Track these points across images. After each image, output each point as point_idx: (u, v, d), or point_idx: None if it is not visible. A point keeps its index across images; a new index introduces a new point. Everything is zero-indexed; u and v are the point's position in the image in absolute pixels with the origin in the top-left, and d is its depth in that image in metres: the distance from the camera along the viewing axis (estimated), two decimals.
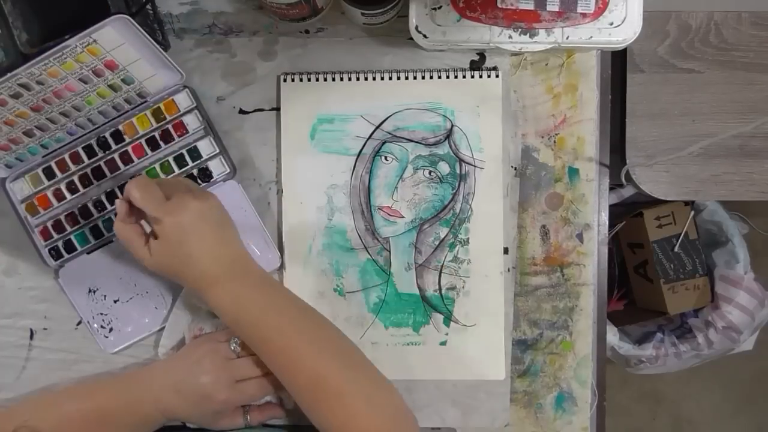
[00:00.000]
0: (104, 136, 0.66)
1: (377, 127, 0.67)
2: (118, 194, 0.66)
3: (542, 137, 0.67)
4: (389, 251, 0.67)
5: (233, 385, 0.59)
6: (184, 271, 0.57)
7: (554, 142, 0.67)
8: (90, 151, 0.66)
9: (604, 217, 0.68)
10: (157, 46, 0.59)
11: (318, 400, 0.54)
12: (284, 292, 0.61)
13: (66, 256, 0.67)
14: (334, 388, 0.54)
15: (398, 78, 0.66)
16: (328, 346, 0.57)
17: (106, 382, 0.62)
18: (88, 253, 0.67)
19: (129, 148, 0.66)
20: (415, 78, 0.66)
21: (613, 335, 1.18)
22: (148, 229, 0.58)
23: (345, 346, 0.58)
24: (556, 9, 0.60)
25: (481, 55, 0.67)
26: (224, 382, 0.58)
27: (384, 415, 0.54)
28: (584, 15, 0.60)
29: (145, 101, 0.66)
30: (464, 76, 0.66)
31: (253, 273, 0.59)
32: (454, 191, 0.66)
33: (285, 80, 0.67)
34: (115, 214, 0.58)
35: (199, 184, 0.66)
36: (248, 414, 0.62)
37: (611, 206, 0.79)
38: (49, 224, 0.67)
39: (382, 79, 0.66)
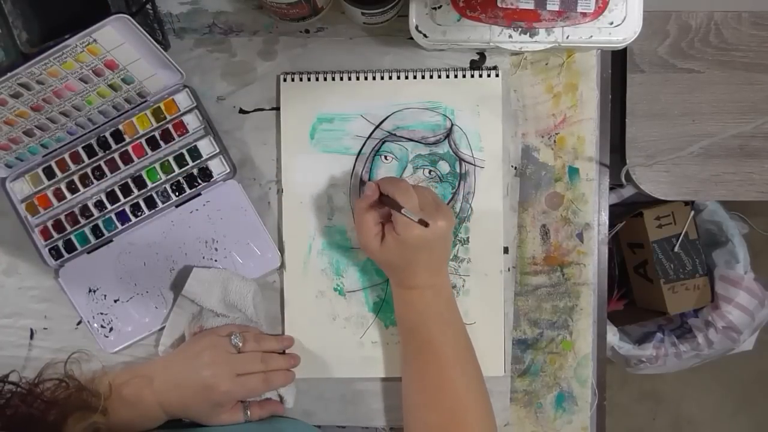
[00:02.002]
0: (104, 136, 0.66)
1: (377, 127, 0.67)
2: (119, 194, 0.66)
3: (542, 137, 0.67)
4: None
5: (234, 379, 0.59)
6: (401, 273, 0.60)
7: (554, 141, 0.67)
8: (90, 151, 0.66)
9: (604, 217, 0.68)
10: (157, 46, 0.59)
11: (446, 423, 0.58)
12: (459, 317, 0.63)
13: (66, 255, 0.67)
14: (467, 424, 0.58)
15: (398, 77, 0.66)
16: (478, 382, 0.61)
17: (106, 378, 0.62)
18: (88, 253, 0.67)
19: (129, 148, 0.66)
20: (415, 77, 0.66)
21: (613, 335, 1.18)
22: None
23: (485, 391, 0.61)
24: (556, 8, 0.60)
25: (481, 55, 0.67)
26: (225, 375, 0.58)
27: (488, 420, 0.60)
28: (584, 14, 0.60)
29: (146, 101, 0.66)
30: (464, 76, 0.66)
31: (447, 291, 0.62)
32: (454, 190, 0.66)
33: (285, 80, 0.67)
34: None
35: (200, 184, 0.66)
36: (248, 409, 0.62)
37: (611, 206, 0.79)
38: (49, 224, 0.67)
39: (382, 78, 0.66)
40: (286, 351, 0.66)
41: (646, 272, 1.20)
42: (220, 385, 0.58)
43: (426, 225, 0.56)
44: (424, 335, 0.60)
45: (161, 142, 0.66)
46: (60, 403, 0.50)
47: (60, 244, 0.67)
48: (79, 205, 0.67)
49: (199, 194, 0.67)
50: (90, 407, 0.51)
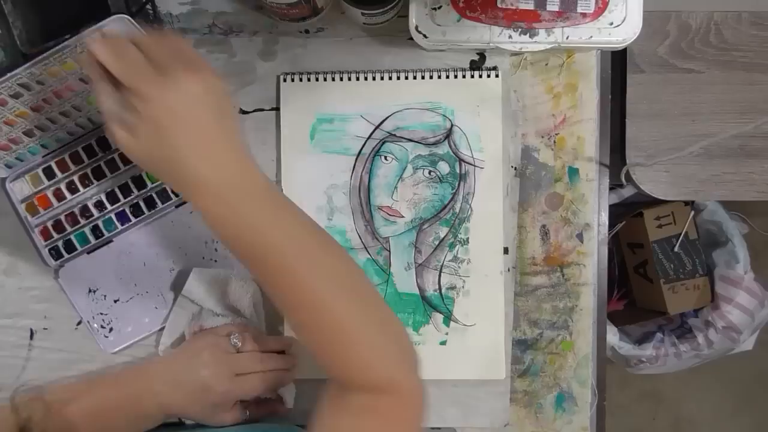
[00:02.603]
0: (104, 136, 0.66)
1: (377, 127, 0.67)
2: (119, 195, 0.66)
3: (542, 137, 0.67)
4: (389, 251, 0.67)
5: (233, 378, 0.59)
6: (171, 169, 0.45)
7: (554, 142, 0.67)
8: (90, 151, 0.66)
9: (604, 217, 0.68)
10: None
11: (319, 337, 0.48)
12: (292, 209, 0.50)
13: (66, 256, 0.67)
14: (339, 330, 0.47)
15: (398, 78, 0.66)
16: (337, 280, 0.49)
17: (105, 378, 0.62)
18: (88, 253, 0.67)
19: None
20: (415, 78, 0.66)
21: (613, 335, 1.18)
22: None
23: (356, 280, 0.51)
24: (556, 9, 0.60)
25: (481, 55, 0.67)
26: (224, 375, 0.58)
27: (386, 367, 0.48)
28: (584, 15, 0.60)
29: None
30: (464, 76, 0.66)
31: (255, 179, 0.47)
32: (454, 191, 0.66)
33: (285, 80, 0.67)
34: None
35: None
36: (248, 409, 0.62)
37: (611, 206, 0.78)
38: (49, 224, 0.67)
39: (382, 79, 0.66)
40: (286, 351, 0.66)
41: (646, 272, 1.20)
42: (218, 385, 0.58)
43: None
44: (255, 251, 0.47)
45: None
46: None
47: (60, 244, 0.67)
48: (79, 206, 0.67)
49: None
50: None
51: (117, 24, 0.55)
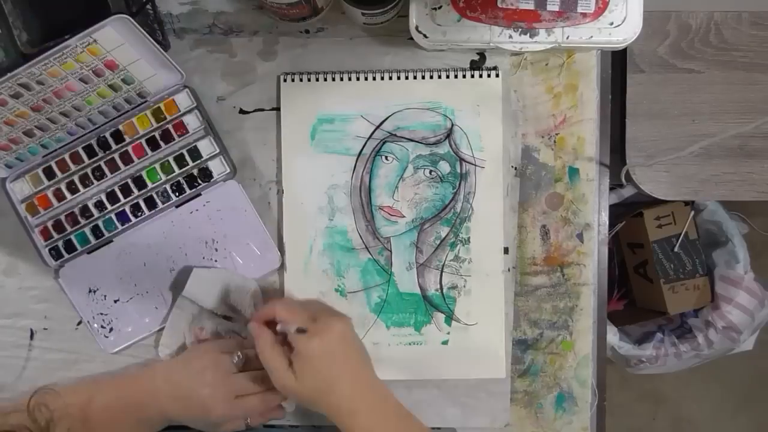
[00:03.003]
0: (104, 136, 0.66)
1: (377, 127, 0.67)
2: (119, 195, 0.66)
3: (542, 137, 0.67)
4: (390, 251, 0.67)
5: (232, 401, 0.59)
6: (327, 397, 0.55)
7: (554, 141, 0.67)
8: (90, 151, 0.66)
9: (604, 217, 0.68)
10: (157, 46, 0.59)
11: None
12: (415, 423, 0.58)
13: (66, 256, 0.67)
14: None
15: (398, 78, 0.66)
16: None
17: (106, 382, 0.62)
18: (88, 253, 0.67)
19: (129, 148, 0.66)
20: (415, 78, 0.66)
21: (613, 335, 1.18)
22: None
23: None
24: (557, 9, 0.60)
25: (481, 55, 0.67)
26: (223, 397, 0.58)
27: None
28: (584, 15, 0.60)
29: (146, 101, 0.66)
30: (464, 76, 0.66)
31: (390, 400, 0.58)
32: (455, 190, 0.66)
33: (285, 80, 0.67)
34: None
35: (200, 184, 0.66)
36: (248, 417, 0.62)
37: (611, 206, 0.78)
38: (49, 224, 0.66)
39: (382, 79, 0.66)
40: None
41: (646, 272, 1.20)
42: (218, 408, 0.58)
43: (303, 332, 0.54)
44: None
45: (161, 143, 0.66)
46: None
47: (60, 244, 0.67)
48: (79, 206, 0.67)
49: (199, 194, 0.67)
50: None
51: (117, 24, 0.55)
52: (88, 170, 0.66)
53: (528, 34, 0.61)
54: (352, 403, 0.55)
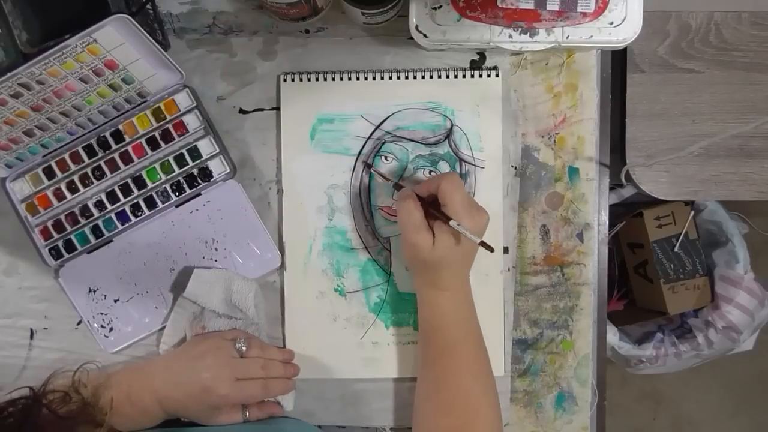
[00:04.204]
0: (104, 136, 0.66)
1: (377, 127, 0.67)
2: (119, 194, 0.66)
3: (542, 137, 0.67)
4: (390, 251, 0.67)
5: (234, 383, 0.59)
6: (439, 273, 0.59)
7: (554, 141, 0.67)
8: (90, 151, 0.66)
9: (604, 217, 0.68)
10: (157, 46, 0.59)
11: (450, 407, 0.59)
12: (479, 327, 0.63)
13: (66, 255, 0.67)
14: (472, 410, 0.58)
15: (398, 78, 0.66)
16: (492, 390, 0.61)
17: (108, 391, 0.62)
18: (88, 253, 0.67)
19: (129, 148, 0.66)
20: (415, 78, 0.66)
21: (613, 335, 1.18)
22: None
23: (497, 398, 0.61)
24: (557, 8, 0.60)
25: (481, 55, 0.67)
26: (225, 378, 0.58)
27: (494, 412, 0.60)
28: (584, 14, 0.60)
29: (146, 101, 0.66)
30: (464, 76, 0.66)
31: (471, 297, 0.63)
32: None
33: (285, 80, 0.67)
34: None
35: (200, 184, 0.66)
36: (247, 410, 0.62)
37: (611, 206, 0.78)
38: (49, 224, 0.66)
39: (382, 78, 0.66)
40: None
41: (646, 272, 1.20)
42: (219, 389, 0.58)
43: (491, 249, 0.57)
44: (448, 339, 0.60)
45: (161, 142, 0.66)
46: (65, 418, 0.49)
47: (60, 244, 0.67)
48: (79, 205, 0.67)
49: (199, 194, 0.67)
50: (95, 422, 0.51)
51: (117, 24, 0.55)
52: (88, 170, 0.66)
53: (528, 34, 0.61)
54: (460, 284, 0.61)
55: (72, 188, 0.66)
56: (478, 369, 0.61)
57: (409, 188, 0.61)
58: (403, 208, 0.59)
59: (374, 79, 0.66)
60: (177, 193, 0.67)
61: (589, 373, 0.67)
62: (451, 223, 0.57)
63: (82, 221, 0.67)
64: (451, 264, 0.59)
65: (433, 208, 0.59)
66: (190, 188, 0.67)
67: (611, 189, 0.73)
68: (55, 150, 0.66)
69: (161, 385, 0.58)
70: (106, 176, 0.66)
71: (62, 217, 0.67)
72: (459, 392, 0.59)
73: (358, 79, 0.66)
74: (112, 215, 0.67)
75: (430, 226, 0.59)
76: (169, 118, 0.66)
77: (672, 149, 0.73)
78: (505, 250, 0.67)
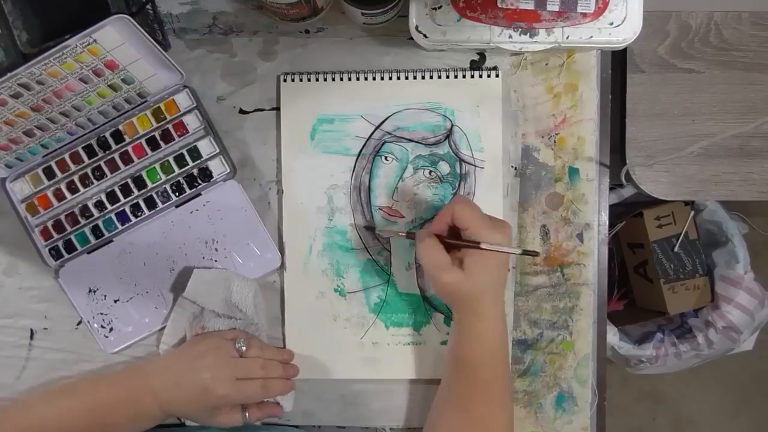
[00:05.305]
0: (104, 136, 0.66)
1: (377, 127, 0.67)
2: (119, 194, 0.66)
3: (542, 137, 0.67)
4: (390, 251, 0.67)
5: (234, 382, 0.59)
6: (488, 296, 0.57)
7: (554, 141, 0.67)
8: (90, 151, 0.66)
9: (604, 217, 0.68)
10: (157, 46, 0.59)
11: (468, 413, 0.58)
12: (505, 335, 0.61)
13: (66, 256, 0.67)
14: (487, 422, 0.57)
15: (398, 78, 0.66)
16: (512, 410, 0.61)
17: (107, 376, 0.62)
18: (88, 253, 0.67)
19: (129, 148, 0.66)
20: (415, 78, 0.66)
21: (613, 335, 1.17)
22: None
23: (510, 395, 0.61)
24: (557, 9, 0.60)
25: (481, 55, 0.67)
26: (225, 378, 0.58)
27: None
28: (584, 15, 0.60)
29: (145, 101, 0.66)
30: (464, 76, 0.66)
31: (504, 319, 0.60)
32: (455, 191, 0.66)
33: (285, 80, 0.67)
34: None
35: (200, 184, 0.66)
36: (246, 411, 0.62)
37: (611, 206, 0.78)
38: (49, 224, 0.67)
39: (382, 79, 0.66)
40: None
41: (646, 272, 1.20)
42: (218, 388, 0.58)
43: (536, 254, 0.57)
44: (487, 375, 0.58)
45: (161, 143, 0.66)
46: None
47: (60, 244, 0.67)
48: (79, 206, 0.67)
49: (199, 194, 0.67)
50: None
51: (117, 24, 0.55)
52: (88, 170, 0.66)
53: (528, 34, 0.61)
54: (494, 311, 0.58)
55: (72, 188, 0.66)
56: (508, 400, 0.59)
57: (423, 230, 0.59)
58: (423, 251, 0.57)
59: (374, 79, 0.66)
60: (177, 194, 0.67)
61: (589, 374, 0.67)
62: (483, 245, 0.55)
63: (82, 221, 0.67)
64: (489, 289, 0.57)
65: (455, 239, 0.57)
66: (190, 188, 0.67)
67: (611, 189, 0.72)
68: (55, 150, 0.66)
69: (161, 386, 0.58)
70: (106, 176, 0.66)
71: (62, 217, 0.67)
72: (489, 426, 0.58)
73: (358, 79, 0.66)
74: (112, 215, 0.67)
75: (458, 258, 0.57)
76: (169, 118, 0.66)
77: (672, 149, 0.73)
78: None
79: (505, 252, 0.56)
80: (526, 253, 0.57)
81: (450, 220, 0.57)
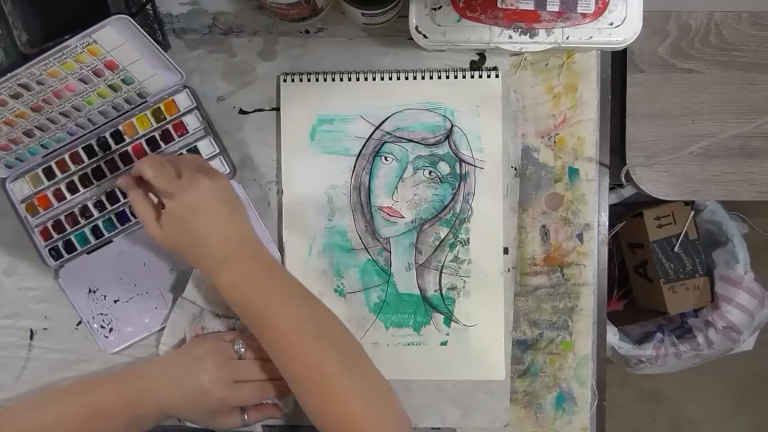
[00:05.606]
0: (104, 136, 0.66)
1: (377, 128, 0.66)
2: (119, 194, 0.66)
3: (542, 137, 0.67)
4: (390, 251, 0.67)
5: (232, 385, 0.59)
6: (193, 250, 0.57)
7: (554, 142, 0.67)
8: (90, 151, 0.66)
9: (604, 217, 0.68)
10: (157, 46, 0.59)
11: (314, 393, 0.55)
12: (292, 281, 0.60)
13: (66, 256, 0.67)
14: (332, 385, 0.54)
15: (398, 78, 0.66)
16: (330, 340, 0.56)
17: (105, 378, 0.62)
18: (88, 253, 0.67)
19: (129, 148, 0.66)
20: (415, 78, 0.66)
21: (613, 335, 1.18)
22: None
23: (348, 343, 0.58)
24: (556, 9, 0.60)
25: (481, 55, 0.67)
26: (223, 381, 0.58)
27: (380, 417, 0.54)
28: (584, 15, 0.60)
29: (145, 101, 0.66)
30: (464, 76, 0.66)
31: (263, 256, 0.59)
32: (454, 191, 0.66)
33: (285, 80, 0.67)
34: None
35: None
36: (245, 413, 0.62)
37: (611, 206, 0.78)
38: (49, 224, 0.67)
39: (382, 79, 0.66)
40: None
41: (646, 272, 1.20)
42: (216, 391, 0.58)
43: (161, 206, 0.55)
44: (260, 316, 0.56)
45: (161, 143, 0.66)
46: None
47: (60, 244, 0.67)
48: (79, 206, 0.67)
49: None
50: None
51: (117, 24, 0.55)
52: (88, 170, 0.66)
53: (528, 35, 0.61)
54: (217, 256, 0.56)
55: (72, 189, 0.66)
56: (305, 334, 0.55)
57: (124, 180, 0.59)
58: (133, 206, 0.58)
59: (374, 79, 0.66)
60: None
61: (588, 374, 0.67)
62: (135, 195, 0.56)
63: (82, 222, 0.67)
64: (196, 236, 0.56)
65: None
66: None
67: (611, 189, 0.73)
68: (55, 150, 0.66)
69: (160, 388, 0.58)
70: (106, 177, 0.66)
71: (62, 217, 0.67)
72: (314, 375, 0.54)
73: (358, 79, 0.66)
74: (112, 216, 0.67)
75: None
76: (169, 118, 0.66)
77: (672, 149, 0.73)
78: (505, 250, 0.67)
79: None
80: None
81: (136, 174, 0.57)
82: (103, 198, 0.67)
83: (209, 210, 0.56)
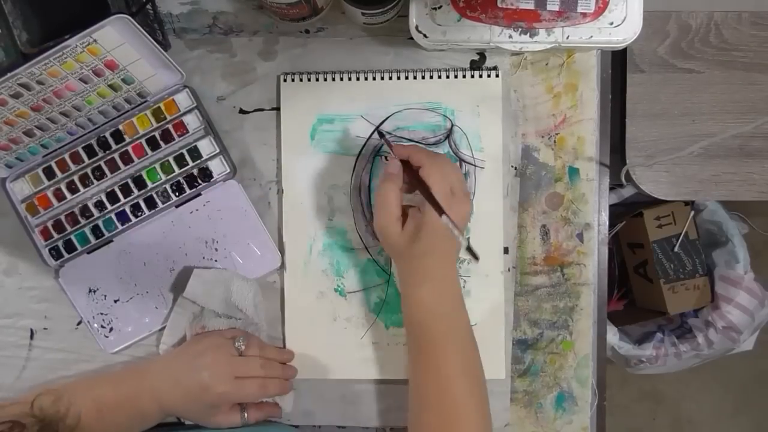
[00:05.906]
0: (104, 136, 0.66)
1: (377, 127, 0.66)
2: (119, 194, 0.66)
3: (542, 137, 0.67)
4: None
5: (233, 381, 0.59)
6: (414, 262, 0.57)
7: (554, 141, 0.67)
8: (90, 151, 0.66)
9: (604, 217, 0.68)
10: (158, 46, 0.59)
11: (437, 417, 0.56)
12: (468, 321, 0.60)
13: (66, 256, 0.67)
14: (454, 409, 0.56)
15: (398, 78, 0.66)
16: (480, 388, 0.58)
17: (105, 376, 0.62)
18: (88, 253, 0.67)
19: (129, 148, 0.66)
20: (415, 78, 0.66)
21: (613, 335, 1.18)
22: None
23: (486, 397, 0.59)
24: (557, 9, 0.60)
25: (482, 55, 0.67)
26: (224, 376, 0.58)
27: None
28: (584, 15, 0.60)
29: (146, 101, 0.66)
30: (464, 76, 0.66)
31: (458, 290, 0.60)
32: None
33: (285, 80, 0.67)
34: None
35: (200, 184, 0.66)
36: (245, 411, 0.62)
37: (611, 206, 0.78)
38: (49, 224, 0.67)
39: (382, 79, 0.66)
40: (287, 364, 0.66)
41: (646, 272, 1.20)
42: (217, 387, 0.58)
43: (475, 257, 0.54)
44: (430, 335, 0.58)
45: (161, 143, 0.66)
46: None
47: (60, 244, 0.67)
48: (79, 206, 0.67)
49: (199, 194, 0.67)
50: None
51: (117, 24, 0.55)
52: (88, 170, 0.66)
53: (528, 34, 0.61)
54: (431, 275, 0.57)
55: (72, 188, 0.66)
56: (463, 366, 0.58)
57: (396, 165, 0.58)
58: (382, 194, 0.57)
59: (374, 79, 0.66)
60: (177, 194, 0.67)
61: (589, 374, 0.67)
62: (443, 218, 0.53)
63: (82, 221, 0.67)
64: (427, 253, 0.56)
65: (419, 187, 0.56)
66: (190, 188, 0.67)
67: (611, 189, 0.72)
68: (55, 150, 0.66)
69: (160, 384, 0.59)
70: (106, 176, 0.66)
71: (62, 217, 0.67)
72: (441, 390, 0.56)
73: (358, 79, 0.66)
74: (112, 215, 0.67)
75: (406, 214, 0.57)
76: (169, 118, 0.66)
77: (672, 149, 0.73)
78: (506, 250, 0.67)
79: (452, 232, 0.54)
80: (469, 250, 0.54)
81: (416, 163, 0.57)
82: (104, 198, 0.67)
83: (452, 238, 0.56)
